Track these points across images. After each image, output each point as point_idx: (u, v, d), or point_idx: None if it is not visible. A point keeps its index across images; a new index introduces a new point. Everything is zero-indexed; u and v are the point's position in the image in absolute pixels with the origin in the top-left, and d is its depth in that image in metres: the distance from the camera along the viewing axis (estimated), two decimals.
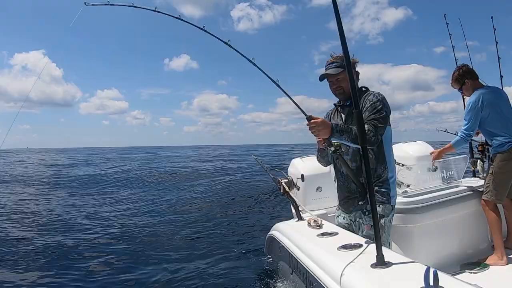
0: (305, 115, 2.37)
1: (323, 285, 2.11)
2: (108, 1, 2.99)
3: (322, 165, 3.10)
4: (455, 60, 4.60)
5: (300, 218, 3.42)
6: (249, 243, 6.19)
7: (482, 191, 3.75)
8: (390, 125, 2.63)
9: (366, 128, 2.36)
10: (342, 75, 2.67)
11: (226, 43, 2.76)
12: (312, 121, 2.29)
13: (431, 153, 4.20)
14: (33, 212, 9.49)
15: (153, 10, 2.98)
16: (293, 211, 3.58)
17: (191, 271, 5.02)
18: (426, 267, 1.59)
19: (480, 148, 4.23)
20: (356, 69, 2.75)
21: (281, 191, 3.61)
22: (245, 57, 2.75)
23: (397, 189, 4.46)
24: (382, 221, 2.59)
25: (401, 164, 4.59)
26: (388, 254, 1.98)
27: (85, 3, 2.97)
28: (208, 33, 2.85)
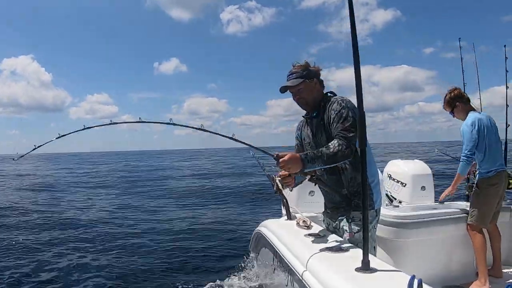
0: (272, 155, 2.29)
1: (306, 284, 2.10)
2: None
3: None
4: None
5: (289, 218, 3.42)
6: (234, 239, 6.19)
7: None
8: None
9: (337, 144, 2.31)
10: (303, 85, 2.59)
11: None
12: (281, 160, 2.22)
13: (443, 198, 4.19)
14: None
15: (169, 123, 2.74)
16: (283, 210, 3.57)
17: (171, 267, 5.04)
18: (410, 276, 1.59)
19: (475, 173, 4.23)
20: (320, 77, 2.69)
21: (274, 188, 3.59)
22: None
23: (388, 203, 4.49)
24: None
25: (396, 180, 4.61)
26: (373, 261, 1.98)
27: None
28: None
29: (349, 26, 1.85)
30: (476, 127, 3.67)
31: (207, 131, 2.60)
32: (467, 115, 3.82)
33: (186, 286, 4.56)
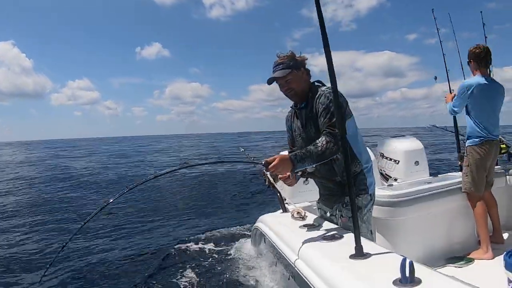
0: (261, 164, 2.31)
1: (303, 276, 2.10)
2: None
3: None
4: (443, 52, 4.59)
5: (284, 210, 3.42)
6: (236, 234, 6.18)
7: None
8: (351, 116, 2.54)
9: (325, 141, 2.30)
10: (291, 76, 2.54)
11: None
12: (270, 166, 2.21)
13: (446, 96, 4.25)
14: None
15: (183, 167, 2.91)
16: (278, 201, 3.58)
17: (174, 262, 5.02)
18: (402, 258, 1.58)
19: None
20: (306, 66, 2.64)
21: (266, 183, 3.58)
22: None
23: (384, 182, 4.49)
24: (359, 212, 2.53)
25: (389, 158, 4.60)
26: (368, 246, 1.98)
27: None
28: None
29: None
30: (468, 91, 3.67)
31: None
32: (473, 74, 3.81)
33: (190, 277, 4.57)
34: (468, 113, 3.80)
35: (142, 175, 14.37)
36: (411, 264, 1.53)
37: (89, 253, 5.71)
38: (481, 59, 3.74)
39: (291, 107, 2.82)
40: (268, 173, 3.55)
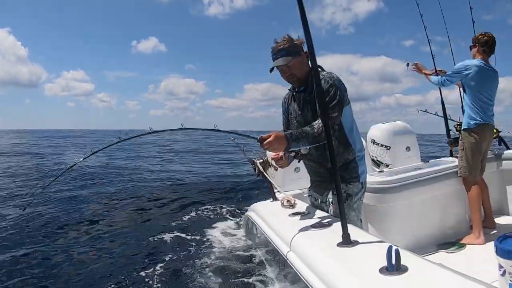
0: (255, 139, 2.25)
1: (291, 264, 2.11)
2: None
3: None
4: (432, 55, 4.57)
5: (274, 199, 3.41)
6: (228, 223, 6.18)
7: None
8: (349, 103, 2.52)
9: (321, 124, 2.25)
10: (293, 61, 2.51)
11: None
12: (265, 142, 2.17)
13: (413, 65, 4.22)
14: None
15: (178, 130, 2.56)
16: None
17: (166, 251, 5.00)
18: (389, 245, 1.56)
19: (458, 128, 4.23)
20: (304, 50, 2.57)
21: (256, 171, 3.56)
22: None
23: (375, 168, 4.48)
24: (349, 200, 2.53)
25: (380, 144, 4.58)
26: (355, 233, 1.96)
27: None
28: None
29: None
30: (466, 70, 3.69)
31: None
32: (473, 57, 3.84)
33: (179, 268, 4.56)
34: (465, 95, 3.81)
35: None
36: (397, 252, 1.51)
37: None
38: (488, 46, 3.77)
39: (289, 89, 2.78)
40: (258, 162, 3.55)
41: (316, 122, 2.32)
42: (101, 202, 8.25)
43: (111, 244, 5.47)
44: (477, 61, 3.72)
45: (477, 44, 3.81)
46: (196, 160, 17.20)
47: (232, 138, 4.26)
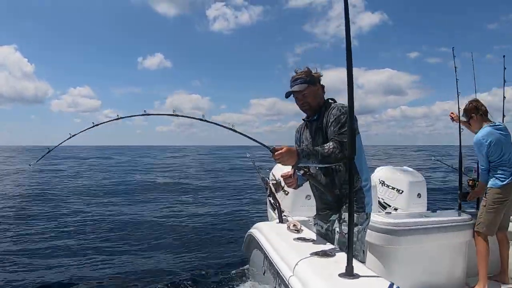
0: (268, 148, 2.33)
1: None
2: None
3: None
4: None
5: (281, 221, 3.45)
6: (228, 240, 6.22)
7: (464, 225, 3.80)
8: (358, 133, 2.61)
9: (331, 147, 2.37)
10: (307, 90, 2.67)
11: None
12: (277, 153, 2.26)
13: (468, 199, 4.28)
14: None
15: (171, 115, 2.77)
16: (271, 212, 3.60)
17: (164, 264, 5.06)
18: (389, 283, 1.61)
19: (470, 182, 4.25)
20: (321, 82, 2.77)
21: (268, 191, 3.62)
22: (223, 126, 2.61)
23: (381, 209, 4.51)
24: (356, 229, 2.56)
25: (391, 187, 4.61)
26: (358, 267, 2.00)
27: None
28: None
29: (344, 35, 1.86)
30: (486, 143, 3.78)
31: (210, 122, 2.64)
32: (480, 128, 3.92)
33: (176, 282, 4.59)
34: (487, 158, 3.85)
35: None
36: None
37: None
38: (480, 109, 3.93)
39: (303, 119, 2.91)
40: (270, 182, 3.61)
41: (327, 144, 2.42)
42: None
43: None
44: (487, 129, 3.85)
45: (473, 115, 3.96)
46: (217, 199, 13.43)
47: (248, 156, 4.36)
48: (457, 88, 4.40)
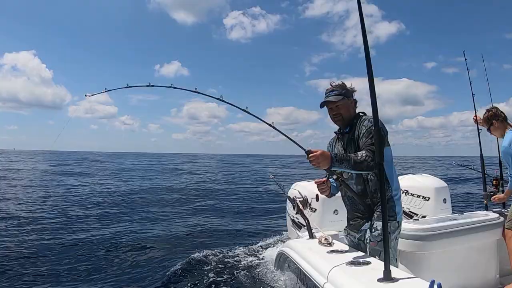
0: (304, 150, 2.44)
1: None
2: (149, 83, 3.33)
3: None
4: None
5: (311, 236, 3.49)
6: (257, 257, 6.22)
7: (493, 224, 3.81)
8: (389, 145, 2.71)
9: (364, 155, 2.46)
10: (341, 102, 2.81)
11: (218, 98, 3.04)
12: (311, 155, 2.36)
13: (492, 199, 4.32)
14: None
15: (169, 87, 3.24)
16: (293, 230, 3.62)
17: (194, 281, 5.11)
18: (430, 282, 1.66)
19: (494, 182, 4.28)
20: (354, 97, 2.92)
21: (295, 209, 3.69)
22: (238, 107, 2.97)
23: (409, 219, 4.53)
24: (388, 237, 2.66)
25: (416, 195, 4.63)
26: (395, 271, 2.06)
27: (85, 95, 3.49)
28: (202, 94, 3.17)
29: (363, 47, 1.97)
30: None
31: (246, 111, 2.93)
32: (504, 133, 3.98)
33: None
34: None
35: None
36: (439, 286, 1.61)
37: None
38: (500, 115, 4.00)
39: (335, 132, 3.03)
40: (298, 200, 3.69)
41: (360, 152, 2.52)
42: None
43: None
44: (510, 134, 3.89)
45: (493, 122, 4.01)
46: None
47: (272, 176, 4.45)
48: (471, 90, 4.47)
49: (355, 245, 2.93)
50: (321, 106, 2.88)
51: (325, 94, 2.89)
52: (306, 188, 4.37)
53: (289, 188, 4.63)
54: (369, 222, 2.75)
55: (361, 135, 2.66)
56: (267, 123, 2.71)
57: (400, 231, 2.78)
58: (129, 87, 3.23)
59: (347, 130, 2.87)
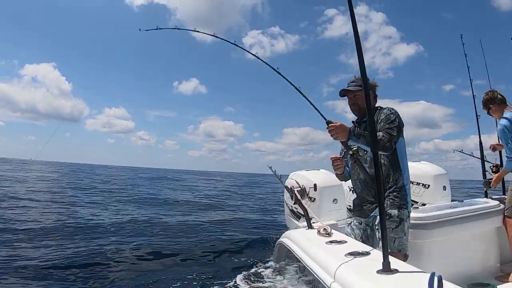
0: (325, 119, 2.57)
1: None
2: (157, 26, 3.57)
3: (340, 180, 3.34)
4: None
5: (310, 227, 3.45)
6: (255, 252, 6.22)
7: (493, 211, 3.78)
8: (403, 137, 2.80)
9: (381, 135, 2.56)
10: (359, 93, 2.88)
11: (254, 55, 3.34)
12: (331, 125, 2.49)
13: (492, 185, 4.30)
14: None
15: (192, 30, 3.57)
16: (291, 220, 3.60)
17: (193, 275, 5.10)
18: (430, 273, 1.62)
19: (494, 169, 4.25)
20: (376, 92, 3.01)
21: (293, 199, 3.64)
22: (270, 66, 3.12)
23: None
24: (402, 225, 2.73)
25: (416, 183, 4.59)
26: (395, 262, 2.01)
27: (139, 29, 3.64)
28: (242, 48, 3.54)
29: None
30: (509, 126, 3.81)
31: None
32: (502, 115, 3.96)
33: None
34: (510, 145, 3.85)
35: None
36: (440, 279, 1.57)
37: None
38: (496, 97, 4.01)
39: (352, 121, 3.11)
40: (295, 189, 3.64)
41: (378, 133, 2.57)
42: None
43: None
44: (506, 114, 3.87)
45: (490, 106, 4.03)
46: None
47: (270, 166, 4.41)
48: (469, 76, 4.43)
49: (361, 231, 2.97)
50: (341, 94, 2.99)
51: (347, 84, 3.00)
52: (304, 177, 4.32)
53: (287, 178, 4.59)
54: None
55: (379, 121, 2.74)
56: (293, 85, 2.92)
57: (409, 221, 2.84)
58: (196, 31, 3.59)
59: (364, 119, 2.93)
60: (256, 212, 13.16)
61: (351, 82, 3.00)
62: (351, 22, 1.89)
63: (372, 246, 2.57)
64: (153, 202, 15.21)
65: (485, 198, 4.21)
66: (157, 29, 3.53)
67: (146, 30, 3.60)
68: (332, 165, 3.00)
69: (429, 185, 4.49)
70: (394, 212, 2.71)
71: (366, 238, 2.95)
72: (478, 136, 4.74)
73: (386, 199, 2.76)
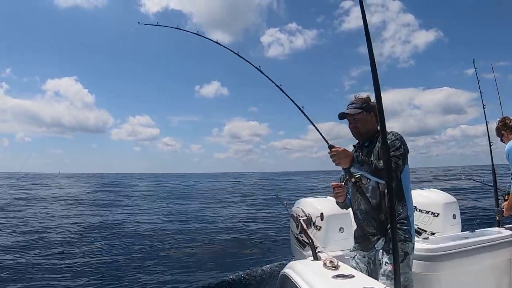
0: (327, 143, 2.43)
1: None
2: (157, 23, 3.52)
3: (341, 208, 3.16)
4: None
5: (315, 258, 3.34)
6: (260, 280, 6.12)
7: (505, 242, 3.71)
8: (407, 164, 2.64)
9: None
10: (360, 116, 2.77)
11: (257, 68, 3.02)
12: (334, 149, 2.35)
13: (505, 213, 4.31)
14: None
15: (195, 33, 3.39)
16: (297, 249, 3.52)
17: None
18: None
19: (506, 197, 4.14)
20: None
21: (298, 228, 3.54)
22: (273, 82, 2.97)
23: (418, 236, 4.38)
24: (407, 259, 2.60)
25: (425, 211, 4.46)
26: None
27: (138, 22, 3.58)
28: (242, 57, 3.16)
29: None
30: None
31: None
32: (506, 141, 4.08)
33: None
34: None
35: None
36: None
37: None
38: (507, 125, 4.17)
39: (353, 145, 2.97)
40: (301, 218, 3.53)
41: (382, 161, 2.42)
42: None
43: None
44: None
45: (503, 132, 4.18)
46: None
47: (275, 194, 4.33)
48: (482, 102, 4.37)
49: (365, 265, 2.84)
50: (340, 117, 2.86)
51: (347, 106, 2.88)
52: (310, 206, 4.21)
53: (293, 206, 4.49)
54: (382, 240, 2.67)
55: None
56: (297, 105, 2.79)
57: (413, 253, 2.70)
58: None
59: (366, 144, 2.82)
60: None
61: (350, 104, 2.87)
62: (363, 25, 1.87)
63: None
64: None
65: (497, 228, 4.09)
66: (157, 25, 3.50)
67: (145, 24, 3.63)
68: (333, 192, 2.85)
69: (438, 214, 4.36)
70: (398, 245, 2.55)
71: (371, 272, 2.83)
72: (491, 161, 4.65)
73: (389, 231, 2.60)
